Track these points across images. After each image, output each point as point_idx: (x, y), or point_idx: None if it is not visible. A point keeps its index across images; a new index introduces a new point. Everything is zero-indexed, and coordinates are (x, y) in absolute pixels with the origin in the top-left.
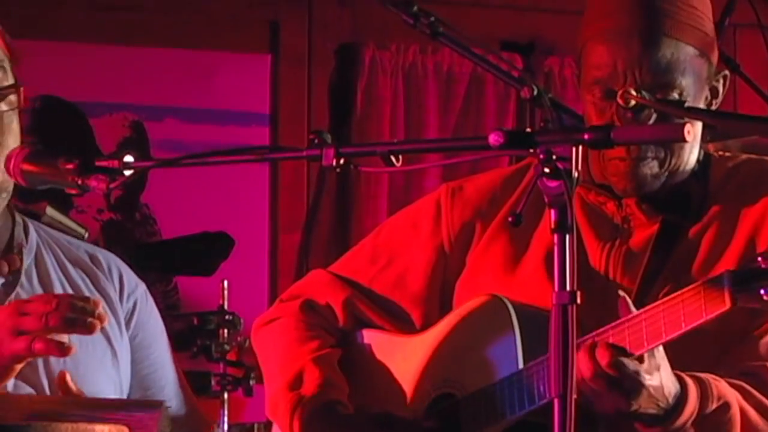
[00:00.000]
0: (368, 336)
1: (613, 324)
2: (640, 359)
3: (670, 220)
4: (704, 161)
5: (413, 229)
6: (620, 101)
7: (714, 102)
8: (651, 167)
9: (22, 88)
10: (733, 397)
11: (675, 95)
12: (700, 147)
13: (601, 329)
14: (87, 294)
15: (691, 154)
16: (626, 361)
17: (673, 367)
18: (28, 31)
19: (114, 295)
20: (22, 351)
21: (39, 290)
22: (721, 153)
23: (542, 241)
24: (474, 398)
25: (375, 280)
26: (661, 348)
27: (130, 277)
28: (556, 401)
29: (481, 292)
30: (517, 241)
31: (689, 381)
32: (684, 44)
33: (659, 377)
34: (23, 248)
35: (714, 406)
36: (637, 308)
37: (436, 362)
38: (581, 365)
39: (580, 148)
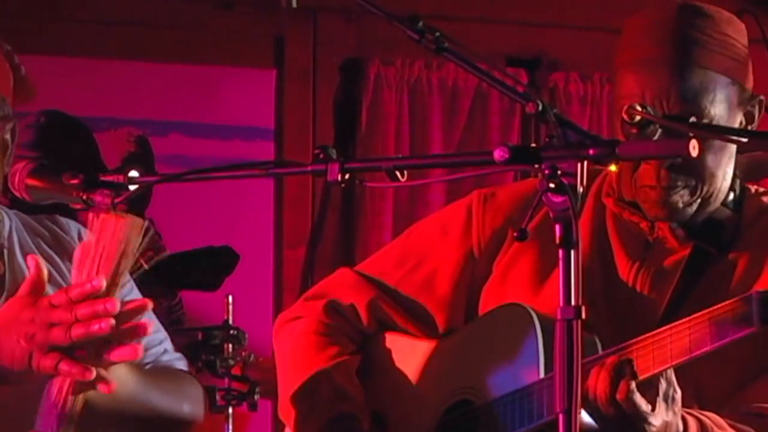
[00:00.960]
0: (390, 339)
1: (639, 338)
2: (654, 404)
3: (701, 247)
4: (740, 194)
5: (443, 233)
6: (625, 117)
7: (749, 127)
8: (682, 195)
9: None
10: None
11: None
12: (735, 177)
13: (627, 343)
14: (56, 276)
15: (723, 182)
16: (641, 401)
17: (688, 389)
18: (33, 46)
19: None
20: (50, 369)
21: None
22: (756, 188)
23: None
24: (491, 407)
25: (402, 282)
26: (678, 398)
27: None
28: (560, 417)
29: (507, 302)
30: (547, 254)
31: (691, 424)
32: (713, 73)
33: (664, 425)
34: (3, 249)
35: None
36: (666, 324)
37: (456, 368)
38: (599, 384)
39: (585, 163)
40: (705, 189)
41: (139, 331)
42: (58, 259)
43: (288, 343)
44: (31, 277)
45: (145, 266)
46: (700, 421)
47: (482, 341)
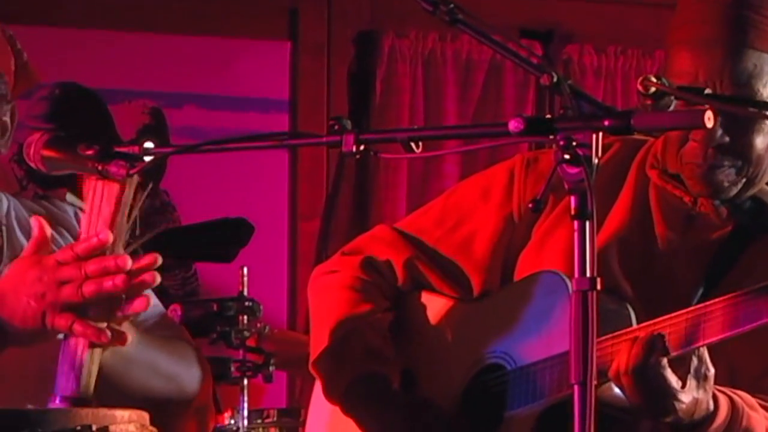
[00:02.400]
0: (425, 298)
1: (673, 315)
2: (685, 380)
3: (743, 226)
4: None
5: (484, 195)
6: (640, 88)
7: None
8: (727, 175)
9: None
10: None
11: None
12: None
13: (660, 318)
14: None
15: None
16: (671, 377)
17: (721, 369)
18: (48, 18)
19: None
20: (64, 328)
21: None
22: None
23: (612, 224)
24: (521, 373)
25: (440, 241)
26: (711, 376)
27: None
28: (576, 388)
29: (543, 269)
30: None
31: (722, 402)
32: None
33: (693, 402)
34: (2, 225)
35: None
36: (701, 301)
37: (488, 332)
38: (630, 359)
39: (600, 134)
40: (751, 170)
41: (148, 283)
42: (56, 235)
43: (323, 296)
44: (36, 236)
45: (140, 221)
46: (731, 400)
47: (516, 307)
